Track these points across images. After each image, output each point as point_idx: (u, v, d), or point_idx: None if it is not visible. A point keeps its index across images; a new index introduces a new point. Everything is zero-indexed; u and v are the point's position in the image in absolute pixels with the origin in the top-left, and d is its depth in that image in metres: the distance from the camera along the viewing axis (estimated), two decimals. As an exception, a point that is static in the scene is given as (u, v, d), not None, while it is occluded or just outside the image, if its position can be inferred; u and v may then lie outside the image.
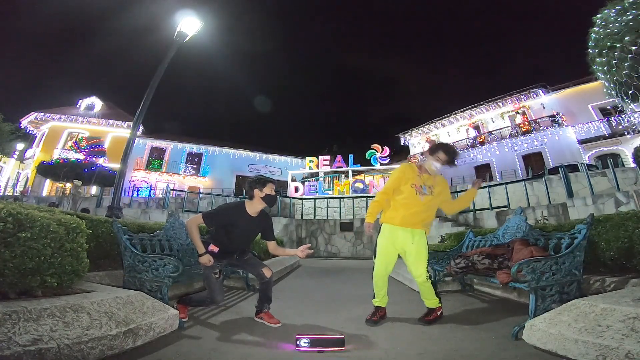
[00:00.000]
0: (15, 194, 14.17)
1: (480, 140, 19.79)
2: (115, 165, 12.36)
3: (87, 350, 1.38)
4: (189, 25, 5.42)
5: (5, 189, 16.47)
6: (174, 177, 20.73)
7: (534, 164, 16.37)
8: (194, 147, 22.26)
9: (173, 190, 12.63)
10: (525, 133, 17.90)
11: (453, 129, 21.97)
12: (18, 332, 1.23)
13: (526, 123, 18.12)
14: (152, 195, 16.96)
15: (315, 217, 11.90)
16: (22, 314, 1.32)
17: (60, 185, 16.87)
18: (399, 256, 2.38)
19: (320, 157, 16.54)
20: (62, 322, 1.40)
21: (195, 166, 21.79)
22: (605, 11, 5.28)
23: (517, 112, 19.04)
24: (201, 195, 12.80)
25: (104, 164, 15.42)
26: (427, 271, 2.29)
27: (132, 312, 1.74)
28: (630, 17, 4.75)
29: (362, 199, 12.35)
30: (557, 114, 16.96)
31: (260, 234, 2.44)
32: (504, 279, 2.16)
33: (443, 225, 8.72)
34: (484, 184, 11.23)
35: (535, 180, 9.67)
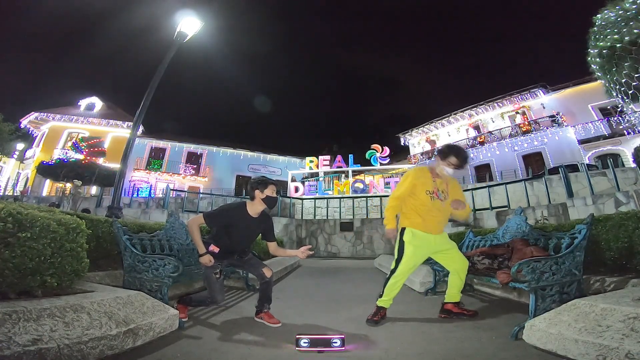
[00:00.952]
0: (15, 194, 14.17)
1: (480, 140, 19.80)
2: (115, 165, 12.37)
3: (87, 350, 1.38)
4: (189, 25, 5.42)
5: (5, 189, 16.48)
6: (173, 177, 20.74)
7: (534, 164, 16.38)
8: (194, 147, 22.27)
9: (173, 190, 12.62)
10: (525, 133, 17.91)
11: (453, 129, 21.97)
12: (18, 332, 1.23)
13: (526, 123, 18.13)
14: (152, 195, 16.97)
15: (315, 217, 11.90)
16: (22, 314, 1.32)
17: (60, 185, 16.87)
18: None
19: (320, 157, 16.53)
20: (62, 322, 1.40)
21: (195, 166, 21.80)
22: (605, 11, 5.28)
23: (517, 112, 19.05)
24: (201, 195, 12.79)
25: (103, 164, 15.42)
26: None
27: (132, 312, 1.74)
28: (630, 17, 4.75)
29: (362, 199, 12.35)
30: (557, 114, 16.97)
31: (260, 234, 2.44)
32: (504, 279, 2.16)
33: (443, 225, 8.70)
34: (484, 184, 11.24)
35: (535, 180, 9.68)
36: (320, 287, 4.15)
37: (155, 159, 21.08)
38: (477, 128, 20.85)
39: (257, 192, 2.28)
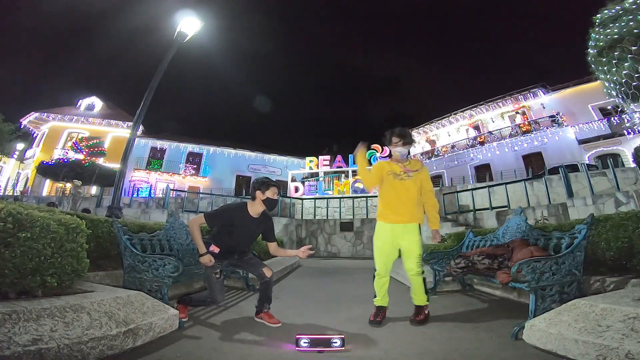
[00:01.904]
0: (15, 194, 14.19)
1: (480, 140, 19.79)
2: (115, 165, 12.36)
3: (87, 350, 1.38)
4: (189, 25, 5.42)
5: (5, 189, 16.50)
6: (173, 177, 20.74)
7: (534, 164, 16.37)
8: (194, 147, 22.27)
9: (173, 190, 12.62)
10: (525, 133, 17.91)
11: (453, 129, 21.98)
12: (18, 332, 1.23)
13: (526, 123, 18.13)
14: (152, 195, 16.98)
15: (315, 217, 11.90)
16: (22, 314, 1.32)
17: (60, 185, 16.87)
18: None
19: (320, 157, 16.52)
20: (62, 322, 1.40)
21: (195, 166, 21.80)
22: (605, 11, 5.29)
23: (517, 112, 19.05)
24: (201, 195, 12.78)
25: (103, 164, 15.42)
26: (420, 266, 2.31)
27: (132, 312, 1.74)
28: (631, 17, 4.75)
29: (362, 199, 12.34)
30: (557, 114, 16.97)
31: (261, 235, 2.44)
32: (504, 279, 2.16)
33: (443, 225, 8.71)
34: (484, 184, 11.24)
35: (535, 180, 9.67)
36: (320, 287, 4.15)
37: (155, 159, 21.08)
38: (477, 128, 20.85)
39: (258, 192, 2.28)
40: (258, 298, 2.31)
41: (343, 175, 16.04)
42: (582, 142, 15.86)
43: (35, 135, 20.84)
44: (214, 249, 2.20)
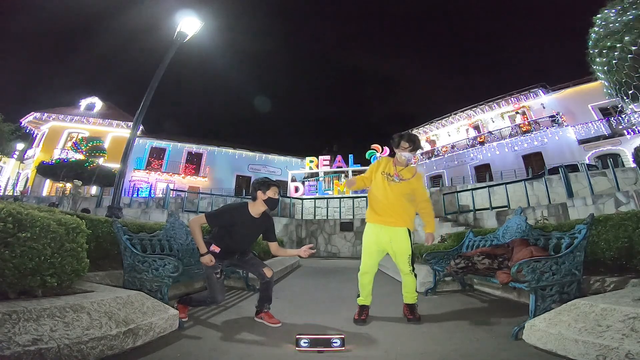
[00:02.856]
0: (15, 194, 14.18)
1: (480, 140, 19.79)
2: (115, 165, 12.37)
3: (87, 350, 1.38)
4: (189, 25, 5.42)
5: (5, 189, 16.49)
6: (173, 177, 20.73)
7: (534, 164, 16.36)
8: (194, 147, 22.26)
9: (173, 190, 12.62)
10: (525, 133, 17.90)
11: (453, 129, 21.98)
12: (18, 332, 1.23)
13: (526, 123, 18.13)
14: (152, 195, 16.96)
15: (315, 217, 11.90)
16: (22, 314, 1.32)
17: (60, 185, 16.87)
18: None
19: (320, 157, 16.54)
20: (62, 322, 1.40)
21: (195, 166, 21.79)
22: (605, 11, 5.28)
23: (517, 112, 19.04)
24: (201, 195, 12.77)
25: (103, 164, 15.41)
26: (410, 265, 2.32)
27: (132, 312, 1.74)
28: (630, 17, 4.75)
29: (362, 199, 12.32)
30: (557, 114, 16.96)
31: (262, 235, 2.44)
32: (504, 279, 2.16)
33: (443, 225, 8.71)
34: (484, 184, 11.24)
35: (535, 180, 9.67)
36: (320, 287, 4.15)
37: (155, 159, 21.08)
38: (477, 128, 20.85)
39: (259, 192, 2.28)
40: (258, 298, 2.31)
41: (343, 175, 16.03)
42: (582, 142, 15.85)
43: (35, 135, 20.83)
44: (215, 248, 2.21)
